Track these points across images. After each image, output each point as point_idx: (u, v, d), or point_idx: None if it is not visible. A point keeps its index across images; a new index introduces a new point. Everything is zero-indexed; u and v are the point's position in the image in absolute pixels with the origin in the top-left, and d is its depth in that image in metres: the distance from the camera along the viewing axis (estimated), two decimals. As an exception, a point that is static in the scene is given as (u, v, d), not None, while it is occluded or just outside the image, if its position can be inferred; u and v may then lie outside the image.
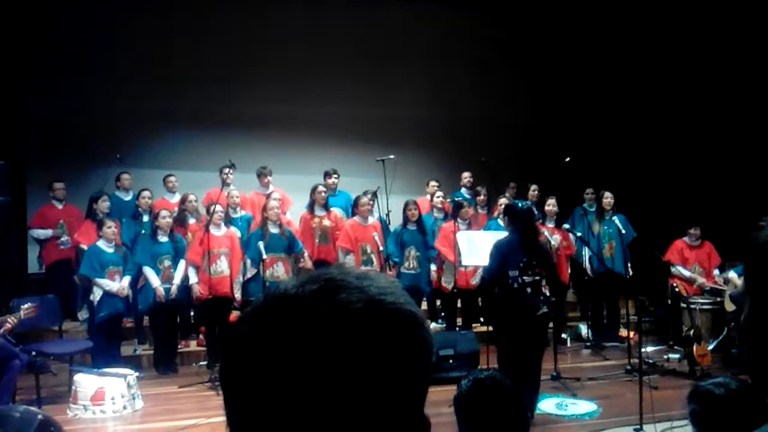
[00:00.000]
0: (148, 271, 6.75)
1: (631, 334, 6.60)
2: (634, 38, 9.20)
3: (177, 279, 6.84)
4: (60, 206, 7.71)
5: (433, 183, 8.61)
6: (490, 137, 9.82)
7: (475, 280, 7.21)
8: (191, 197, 7.49)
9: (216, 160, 8.02)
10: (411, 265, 7.39)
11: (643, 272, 7.60)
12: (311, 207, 7.59)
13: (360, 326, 0.64)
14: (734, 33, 8.04)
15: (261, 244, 6.52)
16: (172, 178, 8.09)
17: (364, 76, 9.78)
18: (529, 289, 4.88)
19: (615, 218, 7.03)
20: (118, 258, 6.68)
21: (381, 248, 7.03)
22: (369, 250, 7.20)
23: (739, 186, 7.81)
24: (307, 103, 9.50)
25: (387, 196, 7.92)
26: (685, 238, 7.85)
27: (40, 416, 1.77)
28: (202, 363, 7.03)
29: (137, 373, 6.00)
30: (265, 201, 7.23)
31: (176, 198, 7.80)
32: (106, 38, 8.85)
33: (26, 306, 5.33)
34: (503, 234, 5.37)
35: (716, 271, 7.72)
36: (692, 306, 6.99)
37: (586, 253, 7.89)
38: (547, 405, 5.56)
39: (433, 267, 7.55)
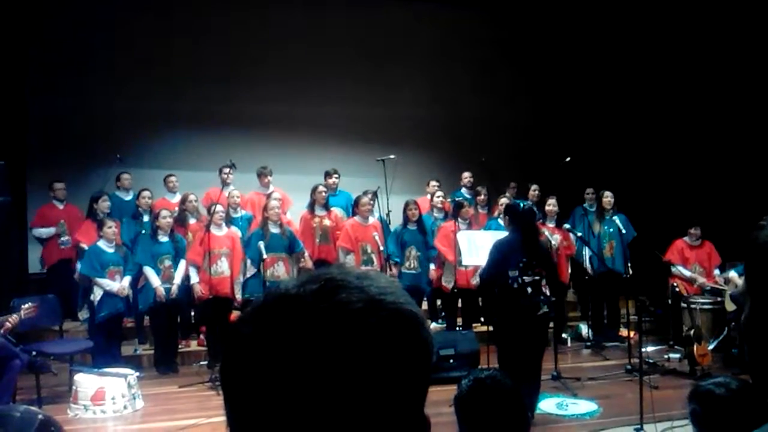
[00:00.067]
0: (149, 271, 6.75)
1: (632, 333, 6.60)
2: (635, 38, 9.20)
3: (177, 279, 6.84)
4: (60, 206, 7.72)
5: (433, 183, 8.62)
6: (490, 137, 9.82)
7: (475, 280, 7.21)
8: (191, 197, 7.49)
9: (216, 160, 8.02)
10: (411, 265, 7.39)
11: (644, 272, 7.60)
12: (311, 207, 7.60)
13: (360, 326, 0.64)
14: (734, 33, 8.04)
15: (261, 244, 6.53)
16: (172, 178, 8.09)
17: (364, 76, 9.78)
18: (529, 289, 4.88)
19: (615, 218, 7.04)
20: (119, 258, 6.68)
21: (381, 248, 7.03)
22: (369, 250, 7.20)
23: (739, 186, 7.81)
24: (307, 103, 9.50)
25: (387, 196, 7.92)
26: (686, 238, 7.85)
27: (40, 416, 1.77)
28: (202, 363, 7.04)
29: (137, 373, 6.00)
30: (265, 201, 7.23)
31: (177, 198, 7.80)
32: (106, 38, 8.85)
33: (26, 306, 5.34)
34: (504, 234, 5.37)
35: (716, 271, 7.72)
36: (693, 306, 6.99)
37: (586, 252, 7.89)
38: (547, 405, 5.56)
39: (432, 266, 7.55)
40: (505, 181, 8.88)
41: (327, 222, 7.60)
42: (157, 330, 6.95)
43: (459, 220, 7.27)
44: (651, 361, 6.79)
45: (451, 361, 6.21)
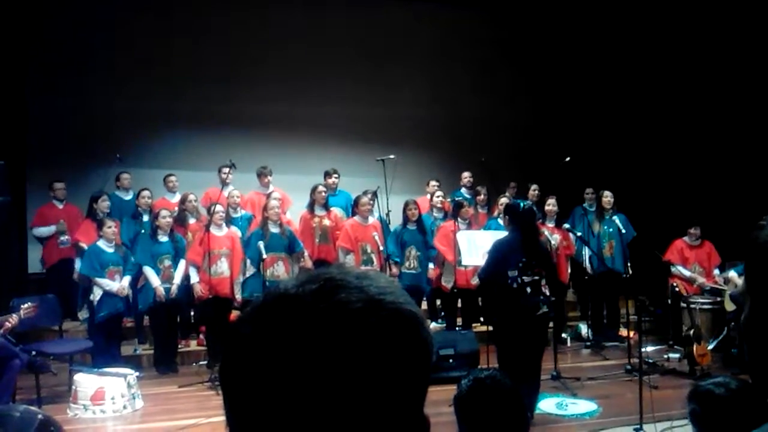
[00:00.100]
0: (148, 271, 6.75)
1: (631, 333, 6.60)
2: (634, 38, 9.20)
3: (177, 279, 6.84)
4: (60, 206, 7.72)
5: (433, 183, 8.62)
6: (490, 137, 9.82)
7: (475, 280, 7.21)
8: (191, 197, 7.49)
9: (216, 160, 8.03)
10: (411, 265, 7.39)
11: (643, 272, 7.60)
12: (311, 207, 7.60)
13: (360, 326, 0.64)
14: (734, 33, 8.04)
15: (261, 244, 6.53)
16: (172, 178, 8.09)
17: (364, 76, 9.78)
18: (528, 289, 4.88)
19: (615, 218, 7.04)
20: (118, 258, 6.68)
21: (381, 248, 7.03)
22: (369, 250, 7.20)
23: (739, 186, 7.81)
24: (307, 103, 9.50)
25: (387, 196, 7.92)
26: (685, 238, 7.85)
27: (40, 416, 1.77)
28: (202, 363, 7.04)
29: (137, 373, 6.00)
30: (265, 201, 7.23)
31: (176, 198, 7.80)
32: (106, 38, 8.85)
33: (26, 306, 5.34)
34: (503, 234, 5.37)
35: (716, 271, 7.72)
36: (692, 306, 6.99)
37: (586, 252, 7.90)
38: (547, 405, 5.56)
39: (431, 266, 7.54)
40: (505, 181, 8.88)
41: (327, 222, 7.60)
42: (157, 330, 6.95)
43: (459, 219, 7.27)
44: (650, 361, 6.79)
45: (451, 360, 6.21)
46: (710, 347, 6.83)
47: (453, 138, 9.85)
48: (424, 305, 7.88)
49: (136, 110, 8.81)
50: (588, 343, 7.90)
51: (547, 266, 5.21)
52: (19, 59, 8.31)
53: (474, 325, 7.67)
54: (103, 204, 7.24)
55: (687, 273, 7.71)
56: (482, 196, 8.35)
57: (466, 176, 8.78)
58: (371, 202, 7.47)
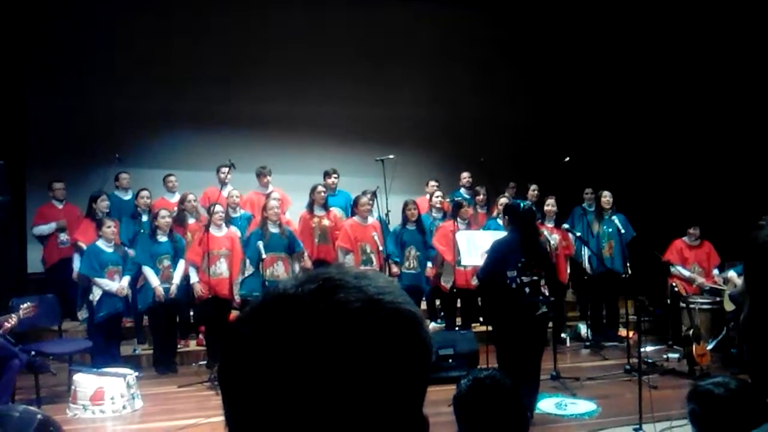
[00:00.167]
0: (148, 271, 6.74)
1: (631, 333, 6.60)
2: (634, 38, 9.20)
3: (176, 279, 6.84)
4: (60, 206, 7.72)
5: (432, 183, 8.62)
6: (489, 137, 9.82)
7: (475, 281, 7.21)
8: (190, 197, 7.48)
9: (216, 160, 8.02)
10: (411, 265, 7.39)
11: (643, 272, 7.60)
12: (311, 207, 7.60)
13: (359, 326, 0.64)
14: (734, 33, 8.04)
15: (260, 244, 6.53)
16: (171, 178, 8.09)
17: (364, 76, 9.78)
18: (527, 289, 4.88)
19: (614, 218, 7.04)
20: (118, 258, 6.68)
21: (380, 248, 7.03)
22: (368, 250, 7.20)
23: (739, 186, 7.81)
24: (307, 103, 9.50)
25: (386, 196, 7.92)
26: (685, 238, 7.85)
27: (39, 416, 1.77)
28: (201, 363, 7.04)
29: (137, 373, 6.00)
30: (264, 201, 7.23)
31: (176, 198, 7.80)
32: (106, 38, 8.85)
33: (25, 305, 5.34)
34: (503, 234, 5.37)
35: (716, 271, 7.73)
36: (692, 306, 7.00)
37: (585, 252, 7.90)
38: (546, 405, 5.57)
39: (429, 264, 7.53)
40: (504, 181, 8.88)
41: (326, 222, 7.60)
42: (156, 330, 6.94)
43: (458, 219, 7.28)
44: (650, 360, 6.79)
45: (450, 360, 6.21)
46: (709, 347, 6.83)
47: (452, 138, 9.85)
48: (424, 305, 7.88)
49: (135, 110, 8.81)
50: (587, 343, 7.90)
51: (546, 266, 5.22)
52: (19, 59, 8.30)
53: (473, 325, 7.67)
54: (103, 204, 7.24)
55: (686, 273, 7.72)
56: (481, 196, 8.36)
57: (466, 176, 8.78)
58: (370, 202, 7.48)
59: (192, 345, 7.44)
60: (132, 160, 8.54)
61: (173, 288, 6.79)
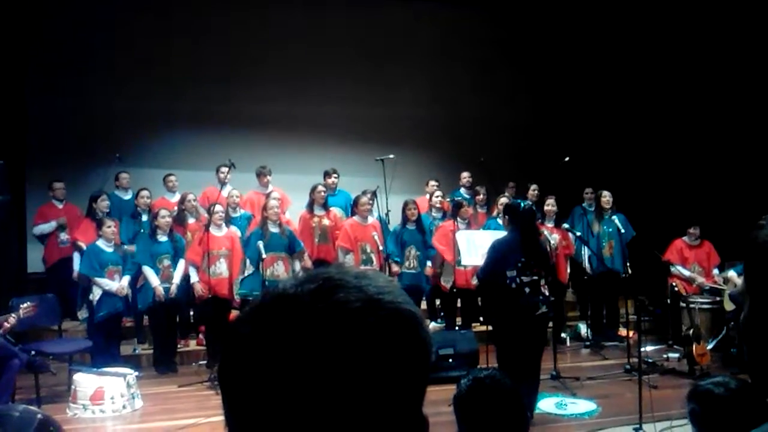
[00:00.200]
0: (148, 271, 6.74)
1: (631, 333, 6.60)
2: (634, 38, 9.20)
3: (176, 278, 6.84)
4: (60, 206, 7.72)
5: (432, 182, 8.62)
6: (489, 137, 9.82)
7: (475, 280, 7.21)
8: (190, 197, 7.48)
9: (216, 160, 8.02)
10: (411, 265, 7.40)
11: (643, 272, 7.60)
12: (311, 206, 7.60)
13: (358, 326, 0.64)
14: (734, 33, 8.04)
15: (260, 244, 6.53)
16: (172, 178, 8.09)
17: (364, 76, 9.78)
18: (527, 289, 4.88)
19: (614, 218, 7.04)
20: (118, 257, 6.69)
21: (380, 248, 7.03)
22: (369, 250, 7.20)
23: (739, 186, 7.81)
24: (307, 103, 9.50)
25: (386, 196, 7.92)
26: (685, 238, 7.85)
27: (39, 416, 1.77)
28: (201, 362, 7.04)
29: (137, 373, 6.00)
30: (264, 200, 7.23)
31: (176, 197, 7.80)
32: (106, 38, 8.85)
33: (25, 305, 5.34)
34: (503, 233, 5.37)
35: (715, 271, 7.73)
36: (692, 305, 6.99)
37: (585, 252, 7.90)
38: (546, 404, 5.56)
39: (428, 264, 7.53)
40: (504, 181, 8.88)
41: (326, 222, 7.60)
42: (156, 330, 6.94)
43: (458, 219, 7.28)
44: (650, 360, 6.79)
45: (450, 360, 6.21)
46: (709, 347, 6.83)
47: (452, 138, 9.85)
48: (424, 305, 7.87)
49: (135, 110, 8.81)
50: (587, 343, 7.90)
51: (545, 267, 5.21)
52: (19, 59, 8.31)
53: (473, 324, 7.67)
54: (103, 204, 7.24)
55: (686, 273, 7.72)
56: (481, 196, 8.36)
57: (465, 176, 8.78)
58: (370, 201, 7.48)
59: (192, 345, 7.44)
60: (132, 160, 8.55)
61: (173, 288, 6.79)
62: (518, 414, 2.24)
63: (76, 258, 7.02)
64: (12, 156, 7.46)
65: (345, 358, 0.62)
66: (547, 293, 5.14)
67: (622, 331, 7.59)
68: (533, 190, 8.27)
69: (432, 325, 7.65)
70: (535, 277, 4.94)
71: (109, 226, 6.65)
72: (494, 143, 9.70)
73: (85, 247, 6.84)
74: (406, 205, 7.52)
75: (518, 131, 10.07)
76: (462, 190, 8.72)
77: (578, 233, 7.39)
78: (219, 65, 9.23)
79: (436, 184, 8.55)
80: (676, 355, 7.11)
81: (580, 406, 5.60)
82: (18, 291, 6.66)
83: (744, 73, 8.01)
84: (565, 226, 7.46)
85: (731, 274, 7.26)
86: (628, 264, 6.84)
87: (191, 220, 7.39)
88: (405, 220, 7.46)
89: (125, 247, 7.04)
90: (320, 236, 7.52)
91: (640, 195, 8.51)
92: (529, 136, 10.04)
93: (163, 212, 6.92)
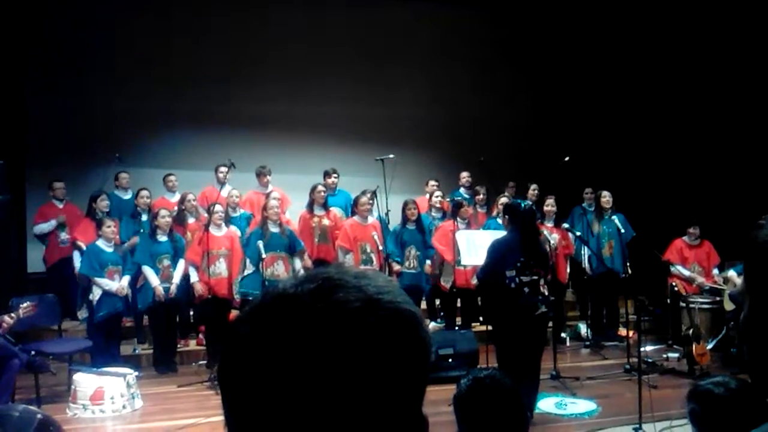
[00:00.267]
0: (148, 271, 6.74)
1: (631, 333, 6.60)
2: (634, 38, 9.20)
3: (176, 278, 6.84)
4: (60, 205, 7.72)
5: (432, 182, 8.62)
6: (489, 137, 9.82)
7: (475, 280, 7.20)
8: (190, 197, 7.49)
9: (216, 160, 8.02)
10: (411, 265, 7.40)
11: (643, 272, 7.60)
12: (310, 206, 7.60)
13: (358, 325, 0.64)
14: (734, 33, 8.04)
15: (260, 244, 6.53)
16: (172, 178, 8.09)
17: (364, 76, 9.78)
18: (526, 289, 4.88)
19: (614, 218, 7.04)
20: (118, 257, 6.69)
21: (380, 248, 7.03)
22: (368, 250, 7.20)
23: (739, 185, 7.82)
24: (306, 103, 9.50)
25: (386, 196, 7.92)
26: (685, 238, 7.85)
27: (39, 416, 1.77)
28: (201, 362, 7.04)
29: (136, 373, 6.00)
30: (264, 200, 7.23)
31: (176, 197, 7.80)
32: (106, 38, 8.85)
33: (25, 305, 5.35)
34: (503, 233, 5.37)
35: (715, 271, 7.73)
36: (691, 305, 7.00)
37: (585, 252, 7.90)
38: (546, 404, 5.56)
39: (428, 262, 7.52)
40: (504, 181, 8.88)
41: (326, 221, 7.60)
42: (156, 329, 6.94)
43: (458, 219, 7.28)
44: (650, 360, 6.79)
45: (450, 360, 6.21)
46: (709, 347, 6.83)
47: (452, 138, 9.85)
48: (424, 305, 7.87)
49: (135, 110, 8.81)
50: (587, 343, 7.91)
51: (545, 267, 5.21)
52: (19, 59, 8.31)
53: (473, 324, 7.67)
54: (102, 203, 7.24)
55: (686, 272, 7.72)
56: (481, 196, 8.36)
57: (465, 176, 8.78)
58: (370, 201, 7.47)
59: (192, 345, 7.44)
60: (132, 160, 8.55)
61: (173, 287, 6.79)
62: (518, 414, 2.24)
63: (77, 257, 7.02)
64: (12, 156, 7.46)
65: (344, 358, 0.62)
66: (546, 293, 5.14)
67: (622, 331, 7.59)
68: (533, 190, 8.27)
69: (432, 325, 7.65)
70: (535, 277, 4.94)
71: (109, 226, 6.65)
72: (494, 143, 9.70)
73: (84, 247, 6.85)
74: (405, 205, 7.52)
75: (518, 131, 10.07)
76: (462, 190, 8.72)
77: (578, 233, 7.39)
78: (219, 65, 9.23)
79: (436, 184, 8.55)
80: (676, 355, 7.11)
81: (580, 406, 5.60)
82: (18, 291, 6.66)
83: (744, 73, 8.01)
84: (565, 225, 7.46)
85: (731, 274, 7.27)
86: (628, 264, 6.84)
87: (191, 220, 7.39)
88: (405, 220, 7.46)
89: (126, 245, 7.05)
90: (320, 236, 7.52)
91: (640, 195, 8.51)
92: (529, 136, 10.04)
93: (163, 212, 6.92)
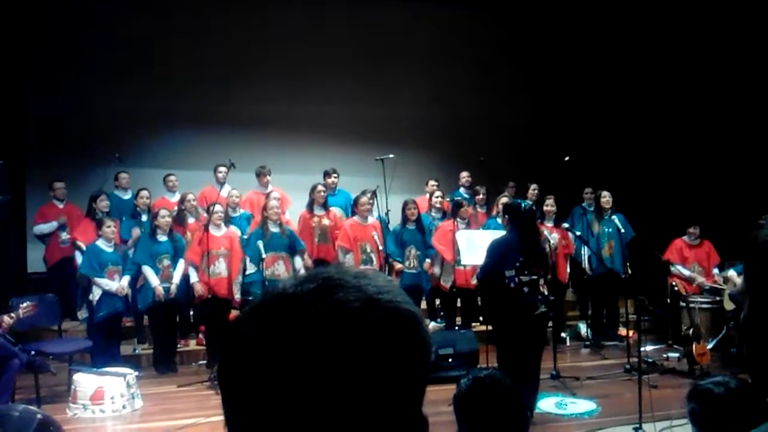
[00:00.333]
0: (148, 271, 6.74)
1: (631, 333, 6.60)
2: (634, 38, 9.20)
3: (176, 278, 6.84)
4: (60, 205, 7.72)
5: (432, 182, 8.62)
6: (489, 137, 9.82)
7: (475, 280, 7.20)
8: (190, 197, 7.49)
9: (216, 160, 8.03)
10: (411, 265, 7.39)
11: (643, 271, 7.60)
12: (310, 206, 7.60)
13: (358, 325, 0.64)
14: (734, 33, 8.04)
15: (260, 244, 6.53)
16: (172, 178, 8.09)
17: (364, 76, 9.78)
18: (525, 289, 4.88)
19: (614, 218, 7.04)
20: (118, 257, 6.69)
21: (380, 248, 7.03)
22: (368, 250, 7.20)
23: (739, 185, 7.82)
24: (306, 103, 9.50)
25: (386, 196, 7.92)
26: (685, 237, 7.85)
27: (39, 416, 1.77)
28: (201, 362, 7.04)
29: (136, 373, 6.00)
30: (264, 200, 7.24)
31: (176, 197, 7.80)
32: (106, 38, 8.85)
33: (25, 305, 5.35)
34: (502, 233, 5.37)
35: (715, 270, 7.73)
36: (691, 305, 6.99)
37: (585, 252, 7.90)
38: (546, 404, 5.56)
39: (427, 260, 7.52)
40: (504, 181, 8.88)
41: (326, 221, 7.60)
42: (156, 329, 6.94)
43: (458, 219, 7.28)
44: (650, 360, 6.79)
45: (450, 360, 6.21)
46: (709, 346, 6.83)
47: (452, 138, 9.85)
48: (424, 305, 7.87)
49: (135, 110, 8.81)
50: (587, 343, 7.91)
51: (544, 266, 5.21)
52: (19, 59, 8.31)
53: (473, 324, 7.67)
54: (102, 203, 7.25)
55: (686, 272, 7.72)
56: (481, 196, 8.36)
57: (465, 176, 8.78)
58: (370, 201, 7.47)
59: (192, 345, 7.44)
60: (132, 160, 8.55)
61: (173, 287, 6.79)
62: (518, 414, 2.24)
63: (78, 257, 7.02)
64: (12, 156, 7.46)
65: (344, 358, 0.62)
66: (546, 293, 5.14)
67: (622, 331, 7.59)
68: (533, 190, 8.27)
69: (432, 325, 7.65)
70: (534, 277, 4.94)
71: (109, 226, 6.65)
72: (494, 143, 9.70)
73: (84, 247, 6.85)
74: (405, 204, 7.52)
75: (518, 131, 10.07)
76: (462, 190, 8.72)
77: (578, 233, 7.39)
78: (219, 65, 9.23)
79: (436, 183, 8.55)
80: (676, 354, 7.11)
81: (580, 405, 5.60)
82: (18, 291, 6.66)
83: (744, 73, 8.01)
84: (565, 225, 7.45)
85: (731, 273, 7.27)
86: (627, 264, 6.84)
87: (191, 220, 7.39)
88: (405, 219, 7.46)
89: (131, 241, 7.05)
90: (320, 236, 7.52)
91: (640, 195, 8.51)
92: (529, 136, 10.04)
93: (162, 212, 6.92)
